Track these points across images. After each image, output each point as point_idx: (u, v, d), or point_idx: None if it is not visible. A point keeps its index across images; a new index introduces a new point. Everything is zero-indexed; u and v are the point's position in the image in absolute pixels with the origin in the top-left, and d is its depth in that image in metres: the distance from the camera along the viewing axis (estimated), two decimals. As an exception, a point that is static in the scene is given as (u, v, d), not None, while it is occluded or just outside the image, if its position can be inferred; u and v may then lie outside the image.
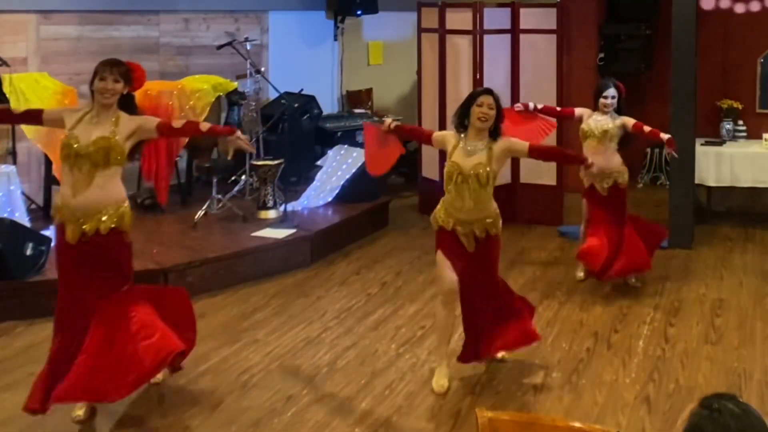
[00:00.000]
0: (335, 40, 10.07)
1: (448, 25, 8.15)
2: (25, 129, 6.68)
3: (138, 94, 4.75)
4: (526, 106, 6.28)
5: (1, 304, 5.70)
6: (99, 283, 4.27)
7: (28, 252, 5.87)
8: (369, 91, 10.12)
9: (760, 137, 8.07)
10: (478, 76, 8.01)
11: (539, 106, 6.30)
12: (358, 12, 9.85)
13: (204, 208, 7.38)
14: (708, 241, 7.57)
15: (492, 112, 4.64)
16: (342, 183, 8.01)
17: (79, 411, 4.35)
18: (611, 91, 6.22)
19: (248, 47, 8.16)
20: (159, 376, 4.65)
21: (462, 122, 4.72)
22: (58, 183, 5.86)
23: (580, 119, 6.35)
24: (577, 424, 2.78)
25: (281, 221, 7.30)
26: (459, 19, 8.12)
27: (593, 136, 6.18)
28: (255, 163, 7.66)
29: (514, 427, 2.59)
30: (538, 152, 4.90)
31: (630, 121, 6.19)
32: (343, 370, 5.03)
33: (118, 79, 4.31)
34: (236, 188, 7.90)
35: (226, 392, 4.72)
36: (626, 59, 9.54)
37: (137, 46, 8.29)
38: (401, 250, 7.40)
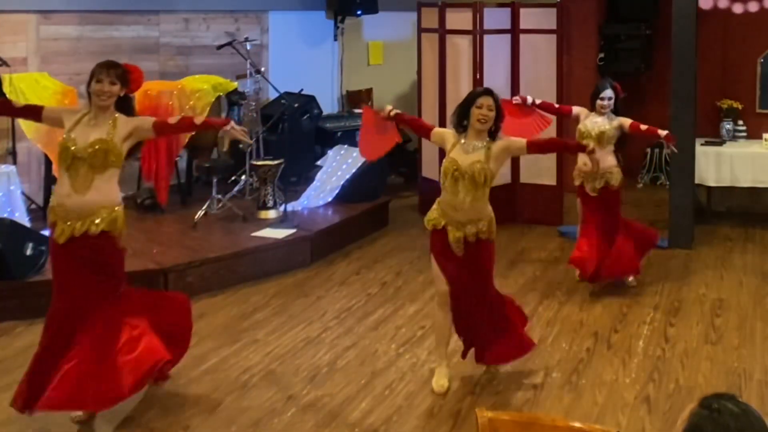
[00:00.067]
0: (335, 40, 10.06)
1: (448, 25, 8.15)
2: (25, 129, 6.68)
3: (138, 94, 4.75)
4: (524, 99, 6.23)
5: (1, 304, 5.70)
6: (92, 286, 4.24)
7: (28, 252, 5.87)
8: (369, 91, 10.11)
9: (760, 137, 8.06)
10: (478, 76, 8.01)
11: (537, 101, 6.29)
12: (358, 12, 9.85)
13: (204, 208, 7.37)
14: (708, 241, 7.57)
15: (492, 114, 4.61)
16: (342, 183, 8.00)
17: (79, 411, 4.34)
18: (608, 92, 6.22)
19: (248, 47, 8.15)
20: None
21: (461, 123, 4.69)
22: (57, 183, 5.85)
23: (577, 118, 6.36)
24: (577, 424, 2.77)
25: (281, 221, 7.30)
26: (459, 19, 8.11)
27: (590, 137, 6.18)
28: (255, 163, 7.66)
29: (514, 427, 2.59)
30: (536, 146, 4.89)
31: (627, 122, 6.19)
32: (343, 370, 5.03)
33: (114, 82, 4.29)
34: (236, 188, 7.90)
35: (225, 392, 4.72)
36: (626, 59, 9.55)
37: (137, 46, 8.29)
38: (401, 250, 7.40)
